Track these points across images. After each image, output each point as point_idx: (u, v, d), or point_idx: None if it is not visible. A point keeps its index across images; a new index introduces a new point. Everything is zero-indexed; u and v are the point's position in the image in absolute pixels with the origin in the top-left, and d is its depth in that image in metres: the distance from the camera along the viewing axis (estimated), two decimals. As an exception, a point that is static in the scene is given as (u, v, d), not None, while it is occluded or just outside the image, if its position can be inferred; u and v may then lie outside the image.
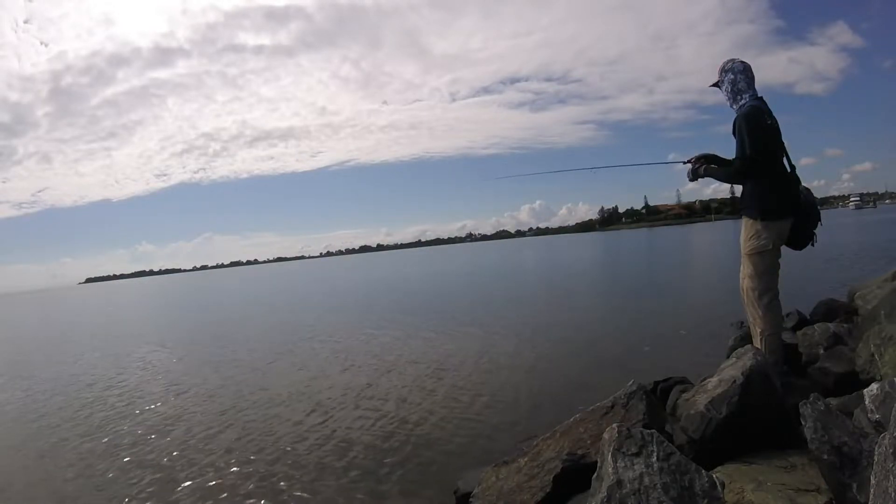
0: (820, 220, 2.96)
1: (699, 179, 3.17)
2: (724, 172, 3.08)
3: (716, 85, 3.09)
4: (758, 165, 2.81)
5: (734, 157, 2.93)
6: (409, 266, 39.60)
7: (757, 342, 2.95)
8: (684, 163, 3.25)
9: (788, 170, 2.94)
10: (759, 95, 2.95)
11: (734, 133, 2.88)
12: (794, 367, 3.18)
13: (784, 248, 2.99)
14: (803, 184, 2.99)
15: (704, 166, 3.12)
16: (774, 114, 2.95)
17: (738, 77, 2.97)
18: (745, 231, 2.99)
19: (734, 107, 2.98)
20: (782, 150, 2.93)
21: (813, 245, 2.99)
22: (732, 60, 3.01)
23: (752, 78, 2.99)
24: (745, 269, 2.99)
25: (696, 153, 3.20)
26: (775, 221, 2.86)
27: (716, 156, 3.18)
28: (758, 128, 2.79)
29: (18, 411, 5.89)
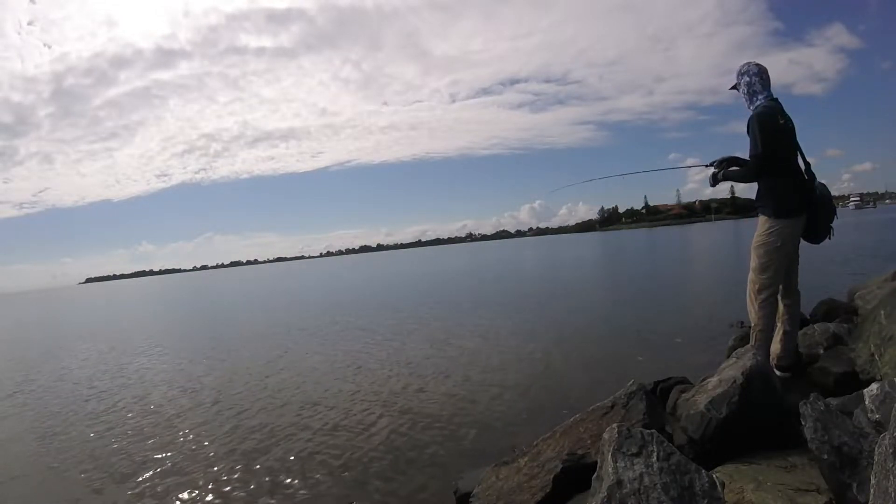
0: (835, 213, 3.01)
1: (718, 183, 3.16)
2: (739, 173, 3.12)
3: (735, 87, 3.14)
4: (768, 163, 2.86)
5: (749, 155, 2.96)
6: (409, 266, 39.56)
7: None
8: (706, 165, 3.26)
9: (803, 167, 2.97)
10: (775, 97, 2.99)
11: (748, 132, 2.92)
12: (795, 367, 3.17)
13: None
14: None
15: (723, 171, 3.14)
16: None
17: (753, 79, 3.03)
18: (758, 228, 3.03)
19: (750, 108, 3.02)
20: (796, 149, 2.97)
21: (830, 238, 3.03)
22: (748, 63, 3.07)
23: (768, 80, 3.04)
24: (751, 263, 3.04)
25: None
26: (788, 219, 2.91)
27: (737, 158, 3.19)
28: (769, 127, 2.84)
29: (18, 412, 5.89)
